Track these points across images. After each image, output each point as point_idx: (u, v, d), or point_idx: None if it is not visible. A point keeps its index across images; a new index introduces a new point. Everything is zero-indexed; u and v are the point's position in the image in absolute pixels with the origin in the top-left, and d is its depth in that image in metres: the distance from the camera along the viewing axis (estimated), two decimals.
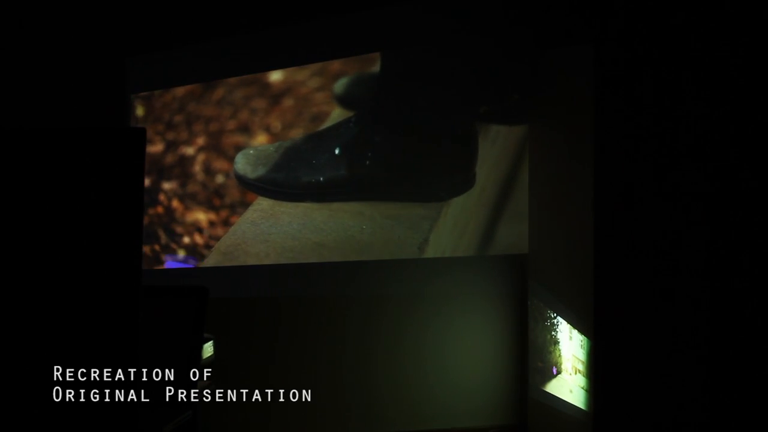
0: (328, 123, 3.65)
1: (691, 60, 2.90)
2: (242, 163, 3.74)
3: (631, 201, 3.01)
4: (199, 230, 3.92)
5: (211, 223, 3.89)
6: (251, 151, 3.75)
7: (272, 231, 3.65)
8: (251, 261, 3.71)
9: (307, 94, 3.72)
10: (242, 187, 3.78)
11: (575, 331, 3.04)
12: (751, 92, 2.77)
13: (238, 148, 3.84)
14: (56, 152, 1.68)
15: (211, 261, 3.82)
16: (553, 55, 3.15)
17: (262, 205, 3.74)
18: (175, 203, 3.99)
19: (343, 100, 3.65)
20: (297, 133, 3.72)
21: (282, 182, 3.64)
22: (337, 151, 3.52)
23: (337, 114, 3.65)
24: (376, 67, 3.63)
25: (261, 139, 3.80)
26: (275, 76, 3.79)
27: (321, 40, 3.71)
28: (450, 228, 3.43)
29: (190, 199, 3.96)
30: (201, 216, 3.91)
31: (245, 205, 3.80)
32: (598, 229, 2.96)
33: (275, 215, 3.68)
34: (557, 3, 3.26)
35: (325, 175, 3.53)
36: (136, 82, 4.12)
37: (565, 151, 3.08)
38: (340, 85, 3.65)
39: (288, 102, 3.75)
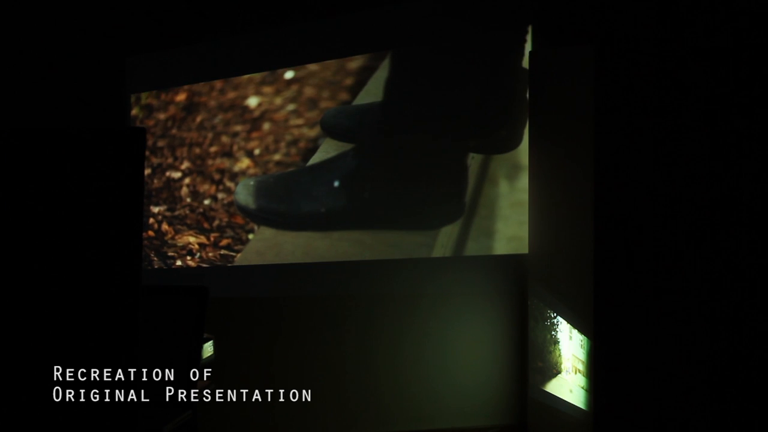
0: (320, 153, 3.70)
1: (691, 60, 2.90)
2: (244, 194, 3.79)
3: (631, 201, 3.01)
4: (191, 253, 3.93)
5: (202, 246, 3.91)
6: (251, 182, 3.80)
7: (277, 260, 3.70)
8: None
9: (284, 119, 3.76)
10: (247, 219, 3.82)
11: (575, 331, 3.04)
12: (752, 92, 2.77)
13: (222, 171, 3.88)
14: (56, 152, 1.68)
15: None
16: (553, 55, 3.15)
17: (264, 234, 3.78)
18: (165, 226, 4.01)
19: (331, 131, 3.69)
20: (278, 158, 3.77)
21: (284, 212, 3.69)
22: (336, 183, 3.59)
23: (326, 144, 3.70)
24: (357, 98, 3.66)
25: (245, 163, 3.83)
26: (252, 101, 3.84)
27: (321, 40, 3.71)
28: (438, 251, 3.47)
29: (179, 223, 3.98)
30: (191, 239, 3.93)
31: (233, 227, 3.83)
32: (598, 229, 2.96)
33: (278, 244, 3.72)
34: (557, 3, 3.26)
35: (325, 205, 3.60)
36: (136, 82, 4.12)
37: (565, 151, 3.08)
38: (328, 116, 3.69)
39: (266, 127, 3.79)
